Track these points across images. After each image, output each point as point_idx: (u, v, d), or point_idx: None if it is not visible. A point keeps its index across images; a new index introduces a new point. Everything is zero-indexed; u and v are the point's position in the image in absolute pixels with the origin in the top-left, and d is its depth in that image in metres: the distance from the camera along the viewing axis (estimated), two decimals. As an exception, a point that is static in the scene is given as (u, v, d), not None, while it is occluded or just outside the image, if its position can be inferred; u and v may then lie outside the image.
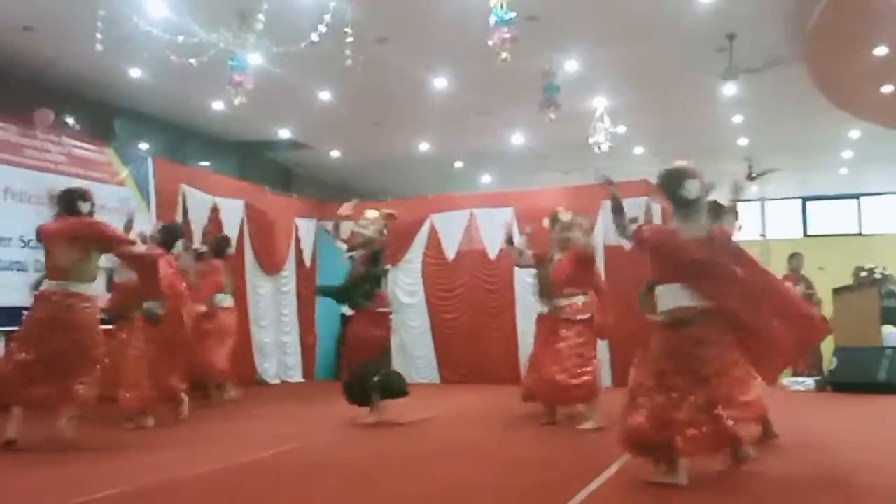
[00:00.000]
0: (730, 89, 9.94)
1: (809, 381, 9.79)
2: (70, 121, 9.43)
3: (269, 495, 4.24)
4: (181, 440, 6.20)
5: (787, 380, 10.09)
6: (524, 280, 11.07)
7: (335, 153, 13.51)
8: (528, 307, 10.26)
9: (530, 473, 4.64)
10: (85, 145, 9.15)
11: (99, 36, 6.50)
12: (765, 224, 17.43)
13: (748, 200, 17.31)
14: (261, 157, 13.30)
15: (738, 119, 11.66)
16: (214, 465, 4.97)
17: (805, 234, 17.43)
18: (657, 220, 10.73)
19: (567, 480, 4.29)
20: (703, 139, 13.06)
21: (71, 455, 5.26)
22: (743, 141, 13.04)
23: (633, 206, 10.51)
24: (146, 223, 9.69)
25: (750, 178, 14.49)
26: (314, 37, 6.86)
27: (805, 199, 17.67)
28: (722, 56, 8.97)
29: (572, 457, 5.22)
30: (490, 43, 6.94)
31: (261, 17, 6.65)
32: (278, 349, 11.84)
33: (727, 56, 8.90)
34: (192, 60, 7.48)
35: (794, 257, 10.86)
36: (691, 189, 4.26)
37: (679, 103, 11.06)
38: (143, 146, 11.05)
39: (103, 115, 10.50)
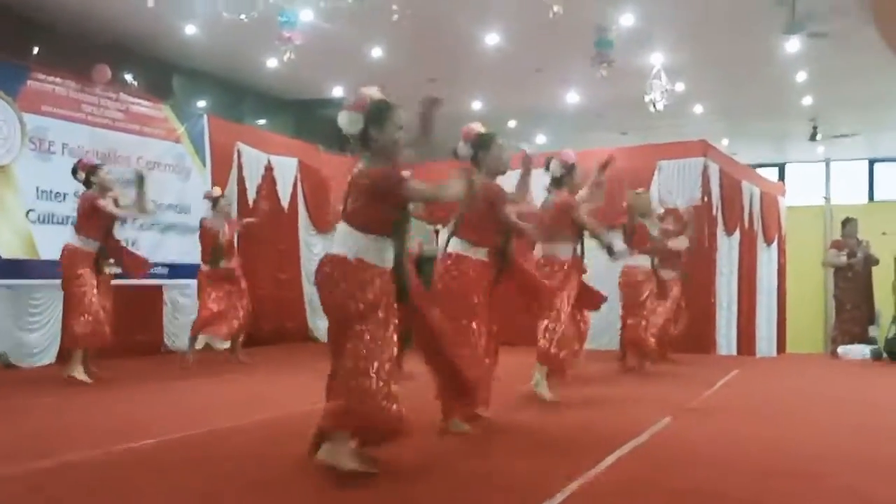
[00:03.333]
0: (793, 45, 9.56)
1: (865, 350, 9.53)
2: (128, 77, 9.61)
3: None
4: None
5: (841, 348, 9.86)
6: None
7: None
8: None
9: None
10: (141, 102, 9.31)
11: (150, -8, 6.56)
12: (829, 187, 16.95)
13: (813, 162, 16.87)
14: (316, 116, 13.34)
15: (801, 77, 11.23)
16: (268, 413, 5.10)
17: (871, 199, 16.80)
18: (714, 180, 10.55)
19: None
20: (765, 98, 12.62)
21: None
22: (807, 100, 12.56)
23: (691, 167, 10.40)
24: (201, 182, 9.89)
25: (814, 138, 14.13)
26: (361, -9, 6.81)
27: (872, 162, 17.00)
28: (783, 10, 8.63)
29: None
30: (541, -4, 6.83)
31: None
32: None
33: (789, 10, 8.56)
34: (242, 16, 7.51)
35: (848, 222, 10.57)
36: (341, 120, 3.67)
37: (740, 60, 10.68)
38: (201, 104, 11.19)
39: (161, 72, 10.63)
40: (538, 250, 5.90)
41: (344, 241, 3.59)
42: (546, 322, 5.59)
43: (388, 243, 3.63)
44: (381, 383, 3.38)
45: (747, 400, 6.21)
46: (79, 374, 6.61)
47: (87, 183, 6.79)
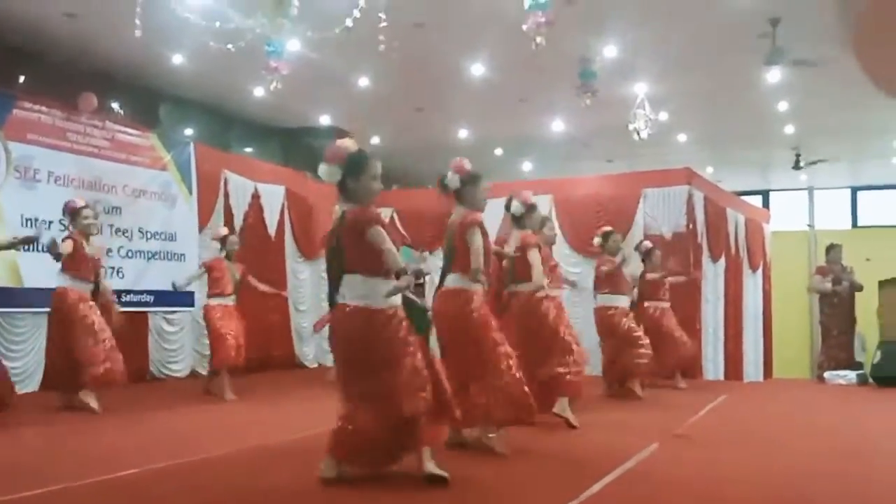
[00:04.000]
0: (774, 76, 9.71)
1: (851, 375, 9.56)
2: (115, 106, 9.64)
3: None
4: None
5: (828, 373, 9.89)
6: (565, 270, 10.93)
7: (375, 140, 13.54)
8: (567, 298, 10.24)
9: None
10: (128, 130, 9.30)
11: (137, 22, 6.59)
12: (812, 214, 17.13)
13: (796, 189, 17.06)
14: (303, 144, 13.41)
15: (783, 106, 11.40)
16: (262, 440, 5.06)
17: (854, 225, 17.00)
18: (699, 207, 10.62)
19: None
20: (748, 127, 12.81)
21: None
22: (790, 129, 12.74)
23: (675, 195, 10.47)
24: (188, 209, 9.88)
25: (797, 167, 14.29)
26: (349, 22, 6.87)
27: (855, 189, 17.22)
28: (765, 42, 8.78)
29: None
30: (524, 28, 6.91)
31: (296, 1, 6.66)
32: (317, 334, 11.90)
33: (770, 41, 8.70)
34: (229, 46, 7.55)
35: (833, 249, 10.66)
36: (321, 172, 3.95)
37: (722, 90, 10.84)
38: (188, 132, 11.21)
39: (148, 100, 10.68)
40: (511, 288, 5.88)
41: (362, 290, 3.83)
42: (559, 356, 5.74)
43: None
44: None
45: (735, 426, 6.22)
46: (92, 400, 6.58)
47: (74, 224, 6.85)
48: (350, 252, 3.86)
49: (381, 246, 3.76)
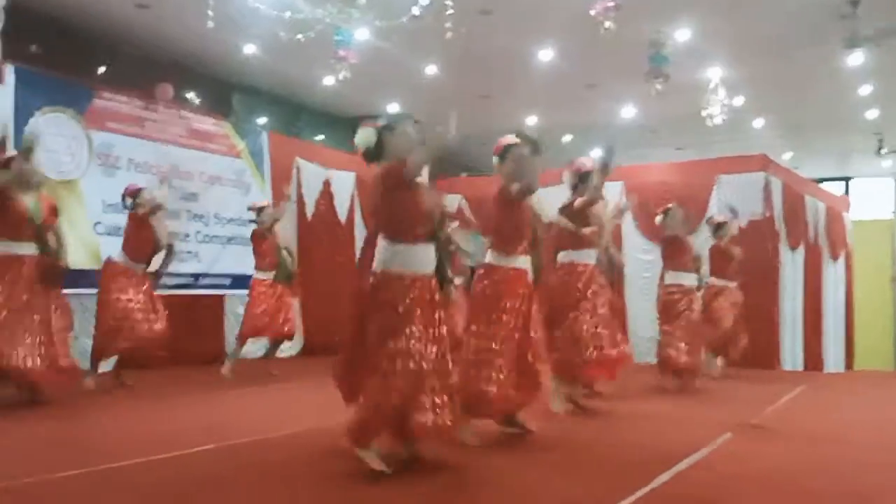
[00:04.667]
0: (855, 59, 9.33)
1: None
2: (190, 95, 9.89)
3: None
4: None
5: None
6: (635, 257, 10.73)
7: (443, 127, 13.57)
8: (638, 285, 10.11)
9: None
10: (203, 118, 9.56)
11: (210, 13, 6.74)
12: (898, 202, 16.46)
13: (880, 176, 16.40)
14: (372, 132, 13.52)
15: (865, 90, 10.97)
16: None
17: (941, 214, 16.30)
18: (776, 195, 10.31)
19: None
20: (828, 112, 12.38)
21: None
22: (872, 114, 12.25)
23: (752, 182, 10.17)
24: (262, 196, 10.08)
25: (879, 152, 13.76)
26: (415, 10, 6.90)
27: (943, 176, 16.49)
28: (845, 23, 8.45)
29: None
30: (592, 13, 6.83)
31: (364, -9, 6.73)
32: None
33: (850, 23, 8.38)
34: (299, 36, 7.67)
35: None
36: (357, 138, 4.00)
37: (801, 74, 10.49)
38: (260, 121, 11.43)
39: (221, 90, 10.92)
40: (561, 257, 5.72)
41: (378, 253, 3.86)
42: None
43: (417, 249, 3.84)
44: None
45: (812, 417, 6.01)
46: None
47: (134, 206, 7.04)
48: (377, 208, 3.95)
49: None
